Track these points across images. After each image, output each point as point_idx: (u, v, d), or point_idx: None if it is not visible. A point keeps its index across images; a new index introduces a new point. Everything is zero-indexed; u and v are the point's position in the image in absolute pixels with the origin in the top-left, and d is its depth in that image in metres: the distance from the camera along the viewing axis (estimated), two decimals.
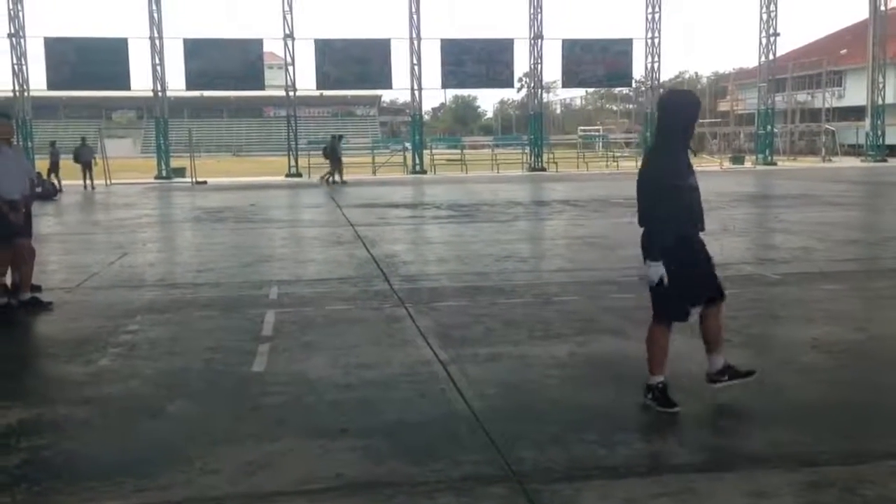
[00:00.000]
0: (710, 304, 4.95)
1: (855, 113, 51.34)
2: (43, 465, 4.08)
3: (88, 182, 29.30)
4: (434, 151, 41.61)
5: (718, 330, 5.03)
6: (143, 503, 3.61)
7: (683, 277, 4.70)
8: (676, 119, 4.70)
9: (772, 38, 40.50)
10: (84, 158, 29.33)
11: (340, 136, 34.90)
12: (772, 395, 5.05)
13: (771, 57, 41.08)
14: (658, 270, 4.66)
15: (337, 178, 30.98)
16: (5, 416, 4.79)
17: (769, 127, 42.44)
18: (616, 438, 4.26)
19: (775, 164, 41.17)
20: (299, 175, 36.10)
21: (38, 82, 35.50)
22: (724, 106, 65.52)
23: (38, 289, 8.25)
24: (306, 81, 38.04)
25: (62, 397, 5.28)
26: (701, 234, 4.89)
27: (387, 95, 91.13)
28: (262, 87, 39.90)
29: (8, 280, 8.00)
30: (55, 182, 27.04)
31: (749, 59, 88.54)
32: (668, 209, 4.62)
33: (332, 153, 31.28)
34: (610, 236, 13.07)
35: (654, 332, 4.93)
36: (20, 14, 34.20)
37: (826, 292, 8.26)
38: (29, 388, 5.56)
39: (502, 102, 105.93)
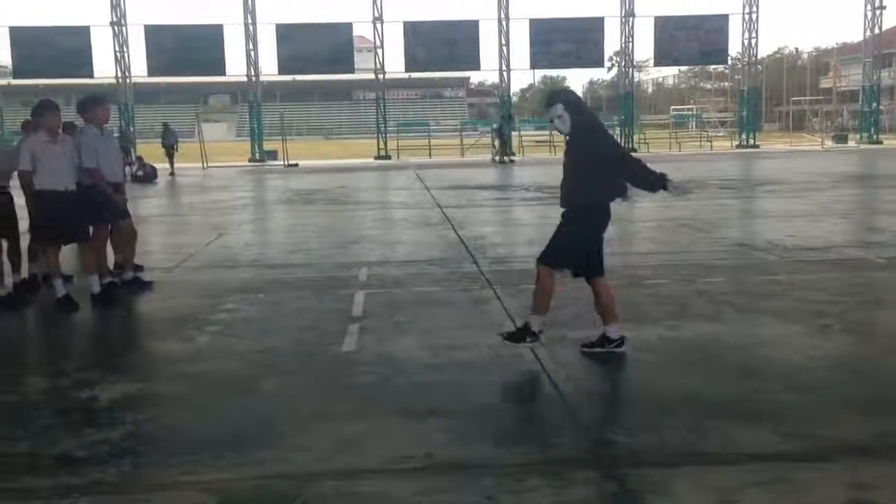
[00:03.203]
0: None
1: None
2: (145, 437, 4.26)
3: (170, 166, 28.43)
4: (522, 133, 41.28)
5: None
6: (240, 477, 3.72)
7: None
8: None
9: (877, 11, 38.66)
10: (167, 142, 29.23)
11: (510, 116, 35.36)
12: (876, 383, 4.84)
13: (876, 31, 39.19)
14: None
15: (503, 157, 32.07)
16: (110, 390, 5.00)
17: (874, 104, 40.57)
18: (708, 425, 4.16)
19: (881, 142, 39.36)
20: (388, 157, 36.42)
21: (139, 69, 36.85)
22: (826, 83, 62.94)
23: (139, 268, 8.58)
24: (395, 64, 38.24)
25: (163, 373, 5.49)
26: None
27: (475, 77, 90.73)
28: (352, 71, 40.29)
29: (112, 260, 8.34)
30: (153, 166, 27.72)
31: (853, 33, 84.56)
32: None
33: (500, 133, 32.47)
34: (702, 218, 12.74)
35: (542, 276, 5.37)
36: (122, 3, 35.47)
37: None
38: (132, 364, 5.79)
39: (591, 83, 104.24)
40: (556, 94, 5.55)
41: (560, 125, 5.35)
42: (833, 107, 58.56)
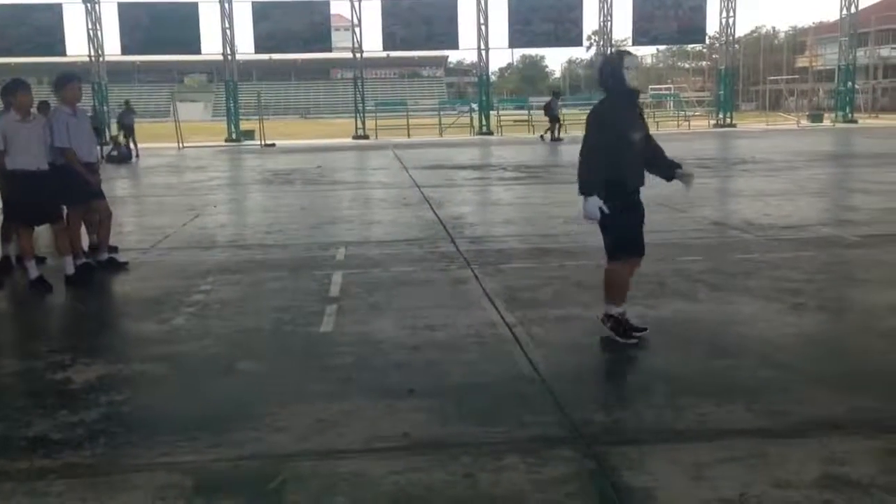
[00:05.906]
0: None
1: None
2: (121, 419, 4.22)
3: (132, 147, 26.83)
4: (501, 112, 41.20)
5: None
6: (217, 458, 3.71)
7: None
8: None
9: None
10: (126, 122, 27.38)
11: (558, 94, 34.78)
12: (849, 360, 4.90)
13: (853, 10, 39.42)
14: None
15: (548, 135, 31.06)
16: (85, 372, 4.96)
17: (850, 83, 40.85)
18: (684, 402, 4.19)
19: (856, 121, 39.69)
20: (366, 137, 36.26)
21: (112, 47, 36.30)
22: (802, 62, 63.33)
23: (114, 249, 8.49)
24: (373, 42, 38.08)
25: (139, 355, 5.44)
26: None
27: (453, 56, 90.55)
28: (330, 49, 39.98)
29: (86, 241, 8.25)
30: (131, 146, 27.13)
31: (829, 12, 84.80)
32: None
33: (550, 111, 31.41)
34: (678, 198, 12.77)
35: (613, 270, 5.27)
36: None
37: None
38: (108, 346, 5.74)
39: (570, 62, 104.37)
40: None
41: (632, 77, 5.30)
42: (809, 86, 58.96)
